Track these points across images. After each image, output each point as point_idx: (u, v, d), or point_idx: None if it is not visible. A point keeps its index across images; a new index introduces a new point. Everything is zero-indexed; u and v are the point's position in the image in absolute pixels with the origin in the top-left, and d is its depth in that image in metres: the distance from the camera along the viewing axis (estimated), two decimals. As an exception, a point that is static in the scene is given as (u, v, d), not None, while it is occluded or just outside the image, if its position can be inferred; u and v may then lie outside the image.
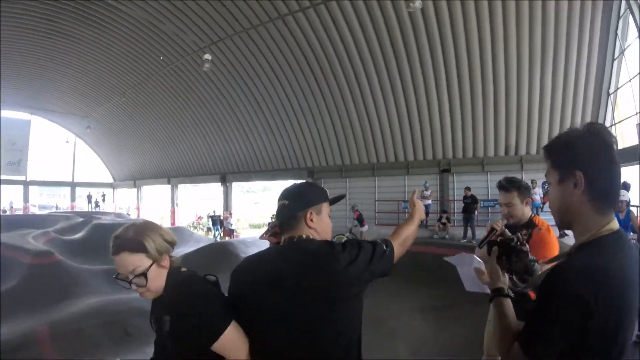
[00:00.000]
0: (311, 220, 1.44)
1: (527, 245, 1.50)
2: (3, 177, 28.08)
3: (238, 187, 26.32)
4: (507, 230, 1.65)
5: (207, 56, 13.76)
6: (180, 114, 21.27)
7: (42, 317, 7.95)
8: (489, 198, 13.26)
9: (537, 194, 11.65)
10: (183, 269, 1.55)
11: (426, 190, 13.48)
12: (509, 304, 1.31)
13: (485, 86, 12.24)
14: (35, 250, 11.20)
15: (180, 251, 14.54)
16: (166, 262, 1.51)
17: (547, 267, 1.29)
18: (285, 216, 1.47)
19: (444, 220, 12.66)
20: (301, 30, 13.50)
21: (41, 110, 27.89)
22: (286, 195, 1.49)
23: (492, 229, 2.41)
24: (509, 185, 2.56)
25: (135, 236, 1.43)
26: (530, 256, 1.48)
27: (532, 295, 1.43)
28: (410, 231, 1.60)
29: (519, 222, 2.54)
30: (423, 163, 14.66)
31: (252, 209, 37.04)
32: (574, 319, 0.97)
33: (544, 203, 11.80)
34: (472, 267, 2.06)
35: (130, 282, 1.44)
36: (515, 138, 12.81)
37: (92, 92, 23.24)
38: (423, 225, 13.69)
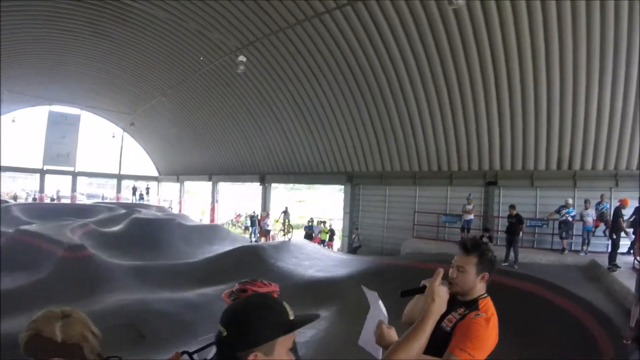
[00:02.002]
0: None
1: None
2: (53, 167, 30.08)
3: (282, 184, 26.51)
4: None
5: (242, 58, 13.52)
6: (221, 114, 21.50)
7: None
8: (537, 217, 12.08)
9: (590, 215, 10.55)
10: None
11: (469, 203, 12.55)
12: None
13: (537, 92, 11.08)
14: (68, 243, 11.48)
15: (215, 249, 14.67)
16: None
17: None
18: (222, 353, 1.05)
19: (485, 239, 11.61)
20: (339, 30, 12.95)
21: (90, 107, 29.47)
22: (226, 320, 1.05)
23: (423, 286, 1.89)
24: (472, 248, 1.99)
25: (70, 339, 1.15)
26: None
27: None
28: (415, 348, 1.22)
29: (465, 297, 2.00)
30: (467, 174, 13.66)
31: (295, 208, 36.82)
32: None
33: (596, 227, 10.73)
34: (376, 320, 1.68)
35: None
36: (569, 150, 11.52)
37: (136, 90, 24.18)
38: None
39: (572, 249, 11.26)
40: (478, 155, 13.21)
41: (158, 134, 29.96)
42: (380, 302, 1.66)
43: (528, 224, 11.69)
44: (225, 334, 1.03)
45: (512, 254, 10.32)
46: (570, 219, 10.72)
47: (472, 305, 1.95)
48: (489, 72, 11.44)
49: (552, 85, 10.78)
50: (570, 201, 10.93)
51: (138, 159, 34.96)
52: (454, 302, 2.03)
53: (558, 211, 10.92)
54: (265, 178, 22.18)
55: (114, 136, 31.65)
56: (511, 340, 6.56)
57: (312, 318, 1.20)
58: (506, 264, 10.23)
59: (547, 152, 11.82)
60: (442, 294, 1.40)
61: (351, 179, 17.17)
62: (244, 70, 14.40)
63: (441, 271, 1.51)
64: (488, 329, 1.81)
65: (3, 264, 10.66)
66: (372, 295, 1.72)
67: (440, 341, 1.84)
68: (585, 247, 10.73)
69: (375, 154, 15.90)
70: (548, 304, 7.40)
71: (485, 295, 2.02)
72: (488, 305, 1.95)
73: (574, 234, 11.26)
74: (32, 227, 13.71)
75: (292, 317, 1.09)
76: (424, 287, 1.93)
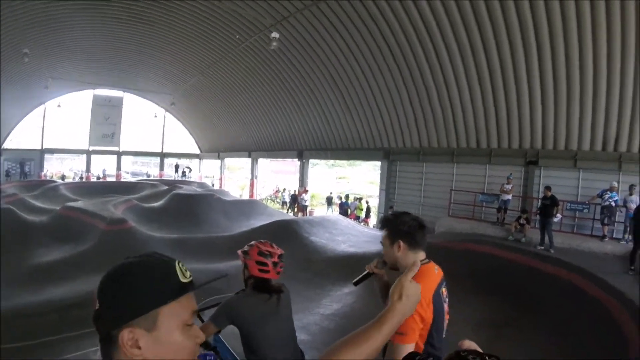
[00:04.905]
0: (132, 346, 0.79)
1: None
2: (98, 148, 31.93)
3: (323, 161, 27.15)
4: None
5: (275, 34, 13.42)
6: (258, 90, 21.65)
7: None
8: (578, 200, 11.32)
9: (634, 202, 9.58)
10: None
11: (508, 183, 12.03)
12: None
13: (583, 66, 10.22)
14: (110, 217, 12.03)
15: (252, 223, 14.99)
16: None
17: None
18: (98, 332, 0.84)
19: (522, 220, 11.14)
20: (374, 3, 12.59)
21: (132, 89, 30.66)
22: (99, 290, 0.84)
23: (368, 273, 2.11)
24: (382, 223, 2.15)
25: None
26: None
27: None
28: (362, 354, 0.98)
29: (399, 269, 2.06)
30: (507, 152, 13.03)
31: (334, 184, 36.82)
32: None
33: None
34: None
35: None
36: (615, 130, 10.55)
37: (175, 70, 24.89)
38: (499, 223, 12.46)
39: (614, 236, 10.49)
40: (519, 133, 12.53)
41: (198, 112, 30.80)
42: None
43: (568, 207, 11.05)
44: (97, 307, 0.84)
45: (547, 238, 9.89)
46: (613, 204, 9.92)
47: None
48: (531, 46, 10.72)
49: (598, 59, 9.91)
50: (615, 185, 10.09)
51: (180, 138, 36.28)
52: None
53: (601, 195, 10.16)
54: (303, 154, 22.37)
55: (156, 116, 32.90)
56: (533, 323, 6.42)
57: (214, 278, 1.02)
58: (542, 247, 9.81)
59: (592, 131, 10.95)
60: (411, 292, 1.12)
61: (388, 155, 16.89)
62: (278, 47, 14.31)
63: (418, 263, 1.24)
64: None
65: (51, 238, 11.41)
66: None
67: None
68: (626, 236, 9.94)
69: (412, 129, 15.48)
70: (578, 293, 7.16)
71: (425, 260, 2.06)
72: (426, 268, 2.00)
73: (617, 220, 10.45)
74: (77, 204, 14.40)
75: (185, 279, 0.88)
76: (369, 273, 2.09)
